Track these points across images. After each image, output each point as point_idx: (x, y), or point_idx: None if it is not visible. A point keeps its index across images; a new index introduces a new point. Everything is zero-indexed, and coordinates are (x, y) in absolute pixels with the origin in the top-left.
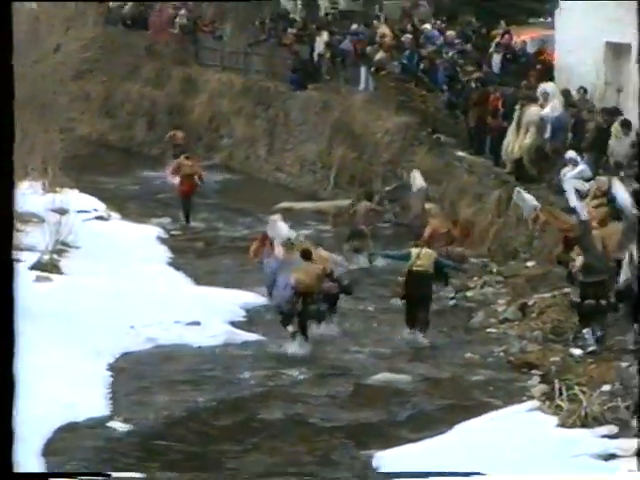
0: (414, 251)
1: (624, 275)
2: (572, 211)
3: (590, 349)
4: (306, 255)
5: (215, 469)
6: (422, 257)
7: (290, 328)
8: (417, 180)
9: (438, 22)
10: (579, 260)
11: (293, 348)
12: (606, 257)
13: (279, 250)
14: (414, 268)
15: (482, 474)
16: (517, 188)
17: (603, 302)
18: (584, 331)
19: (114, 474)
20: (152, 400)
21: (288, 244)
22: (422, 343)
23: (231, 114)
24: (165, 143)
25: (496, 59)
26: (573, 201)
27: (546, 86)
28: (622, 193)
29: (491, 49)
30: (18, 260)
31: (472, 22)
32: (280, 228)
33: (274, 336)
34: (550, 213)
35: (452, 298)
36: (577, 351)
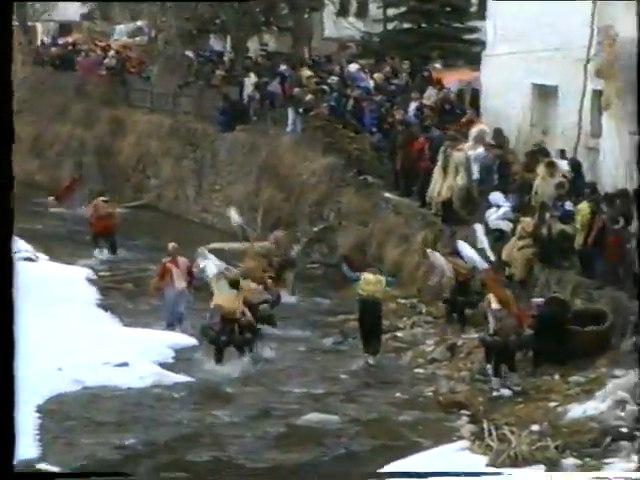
0: (363, 276)
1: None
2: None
3: (495, 393)
4: (233, 284)
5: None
6: (371, 283)
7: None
8: None
9: (365, 63)
10: (494, 301)
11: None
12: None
13: (179, 282)
14: (361, 293)
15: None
16: (428, 250)
17: (512, 338)
18: (487, 367)
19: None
20: (80, 442)
21: (218, 274)
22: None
23: (159, 155)
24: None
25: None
26: (482, 243)
27: (481, 127)
28: (467, 251)
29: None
30: None
31: (403, 65)
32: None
33: (204, 377)
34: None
35: None
36: (506, 391)
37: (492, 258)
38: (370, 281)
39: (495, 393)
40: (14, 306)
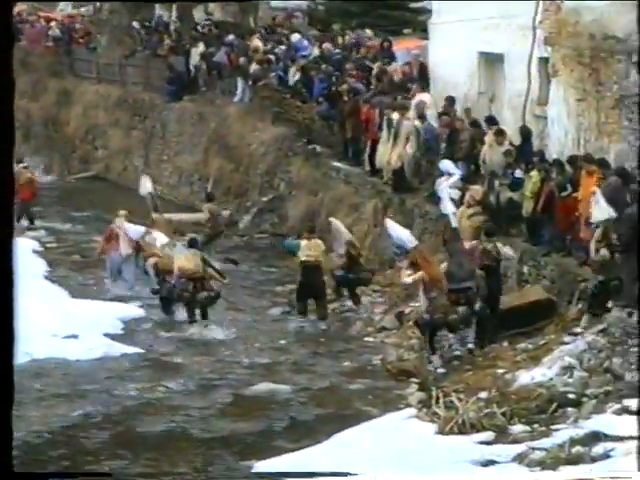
0: (303, 243)
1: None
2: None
3: (436, 367)
4: (192, 243)
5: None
6: (312, 248)
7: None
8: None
9: (313, 33)
10: (443, 266)
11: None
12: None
13: (124, 245)
14: (305, 259)
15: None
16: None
17: (462, 309)
18: (432, 357)
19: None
20: (28, 415)
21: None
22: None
23: (107, 126)
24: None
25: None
26: (446, 208)
27: (422, 96)
28: (396, 230)
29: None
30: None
31: (349, 34)
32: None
33: (153, 347)
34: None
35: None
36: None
37: (454, 225)
38: (310, 246)
39: (438, 370)
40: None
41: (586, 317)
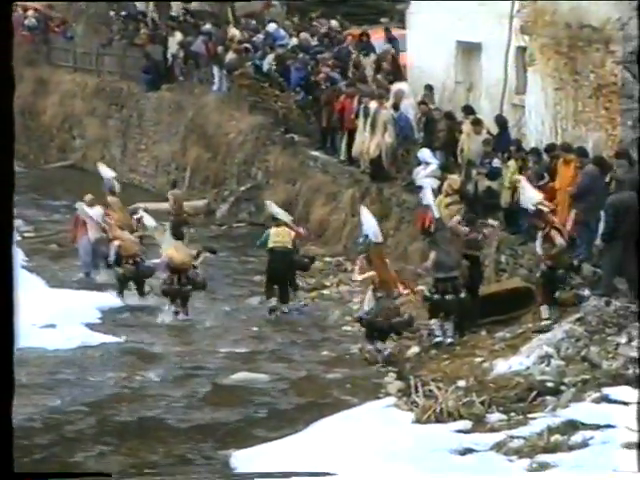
0: (272, 231)
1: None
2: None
3: (436, 340)
4: (178, 235)
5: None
6: (280, 234)
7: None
8: None
9: (291, 22)
10: (432, 255)
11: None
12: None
13: (92, 231)
14: (273, 245)
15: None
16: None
17: (449, 297)
18: (431, 322)
19: None
20: None
21: (158, 226)
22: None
23: (84, 115)
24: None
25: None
26: (427, 199)
27: (400, 85)
28: (367, 219)
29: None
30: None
31: (330, 24)
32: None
33: (130, 336)
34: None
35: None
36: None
37: (437, 215)
38: (278, 233)
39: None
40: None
41: (544, 308)
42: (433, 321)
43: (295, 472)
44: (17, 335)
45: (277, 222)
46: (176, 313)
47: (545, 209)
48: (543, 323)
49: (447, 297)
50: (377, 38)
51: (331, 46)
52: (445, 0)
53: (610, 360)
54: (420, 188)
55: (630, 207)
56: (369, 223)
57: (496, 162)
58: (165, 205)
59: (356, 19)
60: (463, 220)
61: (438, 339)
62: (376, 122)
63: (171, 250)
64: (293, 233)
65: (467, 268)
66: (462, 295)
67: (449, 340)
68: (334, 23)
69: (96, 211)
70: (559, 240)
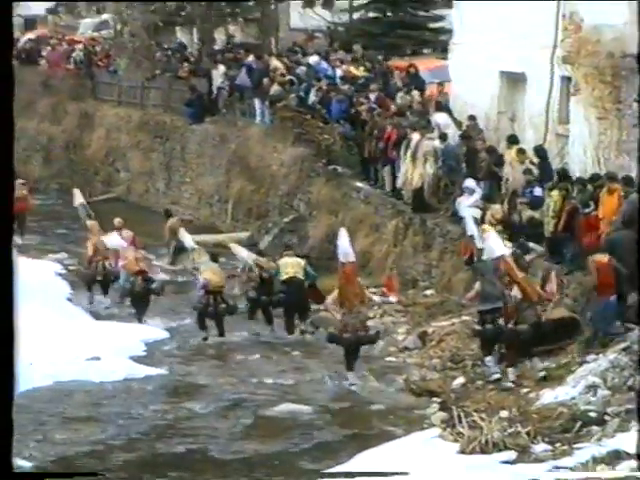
0: (281, 262)
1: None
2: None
3: (495, 377)
4: (214, 258)
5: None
6: (290, 265)
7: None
8: None
9: (336, 54)
10: (476, 286)
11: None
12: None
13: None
14: (284, 277)
15: None
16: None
17: (501, 327)
18: (486, 359)
19: None
20: (53, 437)
21: (198, 249)
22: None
23: (128, 148)
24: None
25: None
26: (471, 230)
27: (438, 117)
28: (343, 241)
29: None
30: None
31: (374, 56)
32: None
33: (175, 369)
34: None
35: None
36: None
37: (480, 245)
38: (288, 264)
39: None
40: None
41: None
42: (488, 358)
43: (360, 472)
44: (17, 335)
45: (287, 252)
46: (205, 339)
47: (506, 264)
48: (491, 378)
49: (499, 327)
50: (422, 69)
51: (376, 78)
52: (488, 31)
53: None
54: (463, 218)
55: None
56: (344, 244)
57: (537, 191)
58: (210, 237)
59: (399, 51)
60: (514, 248)
61: (496, 376)
62: (417, 153)
63: (208, 273)
64: (303, 262)
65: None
66: (510, 325)
67: (496, 375)
68: (378, 57)
69: (111, 238)
70: (514, 293)
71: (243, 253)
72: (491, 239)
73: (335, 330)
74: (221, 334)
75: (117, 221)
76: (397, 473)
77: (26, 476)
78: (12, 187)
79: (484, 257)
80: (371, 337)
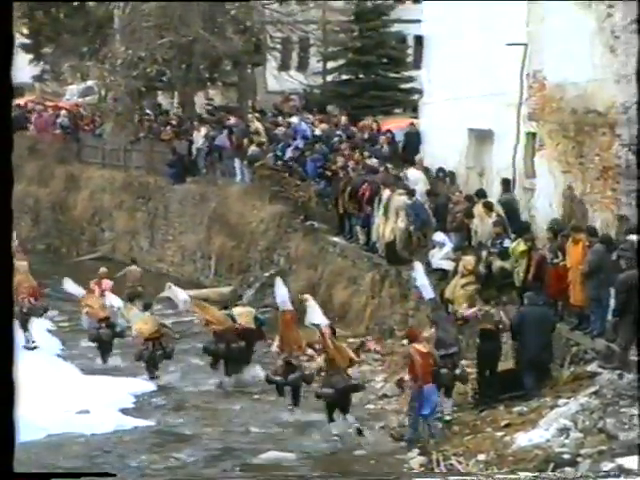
0: (235, 311)
1: None
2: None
3: (447, 418)
4: (147, 307)
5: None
6: (242, 315)
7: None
8: None
9: (309, 116)
10: (432, 333)
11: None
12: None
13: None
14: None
15: None
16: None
17: (457, 372)
18: (444, 399)
19: None
20: None
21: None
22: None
23: (113, 208)
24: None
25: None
26: (419, 280)
27: (409, 172)
28: (280, 290)
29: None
30: None
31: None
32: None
33: (163, 420)
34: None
35: None
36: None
37: (431, 295)
38: (241, 313)
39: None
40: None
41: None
42: (445, 399)
43: None
44: (16, 334)
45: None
46: (152, 378)
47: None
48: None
49: (455, 372)
50: (394, 128)
51: (346, 138)
52: (456, 90)
53: (626, 431)
54: (439, 270)
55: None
56: (279, 292)
57: (507, 242)
58: (195, 292)
59: (372, 111)
60: (479, 301)
61: (448, 417)
62: (389, 208)
63: (140, 323)
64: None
65: (481, 342)
66: (457, 370)
67: (447, 417)
68: (343, 118)
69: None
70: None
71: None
72: (313, 308)
73: (272, 373)
74: (152, 378)
75: (102, 270)
76: None
77: (28, 476)
78: (11, 187)
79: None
80: (300, 377)
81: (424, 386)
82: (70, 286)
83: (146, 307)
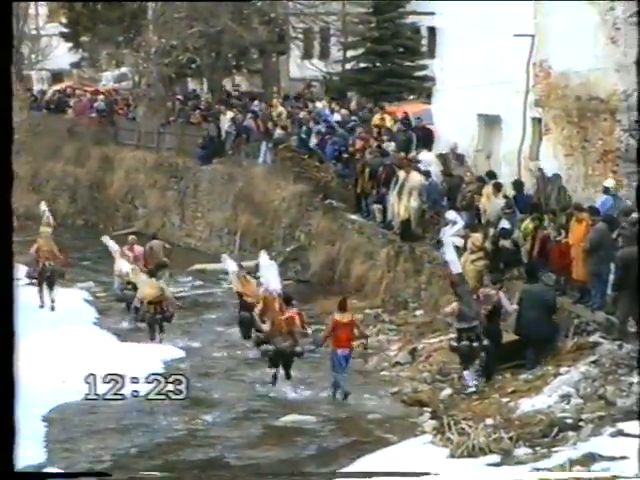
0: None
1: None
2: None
3: (470, 390)
4: (153, 273)
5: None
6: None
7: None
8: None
9: (331, 102)
10: (454, 307)
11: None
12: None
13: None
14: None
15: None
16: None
17: (475, 344)
18: (464, 373)
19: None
20: (83, 448)
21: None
22: None
23: (146, 187)
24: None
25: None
26: (448, 255)
27: (422, 155)
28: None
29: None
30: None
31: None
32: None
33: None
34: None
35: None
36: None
37: (459, 270)
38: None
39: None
40: (14, 307)
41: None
42: (466, 372)
43: (377, 472)
44: (17, 334)
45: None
46: (152, 339)
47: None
48: (467, 391)
49: (473, 344)
50: (409, 113)
51: (363, 122)
52: (467, 78)
53: (624, 398)
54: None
55: (637, 260)
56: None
57: (504, 223)
58: (220, 265)
59: (389, 97)
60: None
61: (471, 389)
62: (403, 189)
63: (146, 287)
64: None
65: (486, 319)
66: (484, 342)
67: (474, 386)
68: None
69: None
70: None
71: (231, 267)
72: (265, 270)
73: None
74: (152, 339)
75: (131, 237)
76: (419, 474)
77: (28, 476)
78: (11, 187)
79: None
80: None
81: (337, 350)
82: (108, 241)
83: (151, 273)
